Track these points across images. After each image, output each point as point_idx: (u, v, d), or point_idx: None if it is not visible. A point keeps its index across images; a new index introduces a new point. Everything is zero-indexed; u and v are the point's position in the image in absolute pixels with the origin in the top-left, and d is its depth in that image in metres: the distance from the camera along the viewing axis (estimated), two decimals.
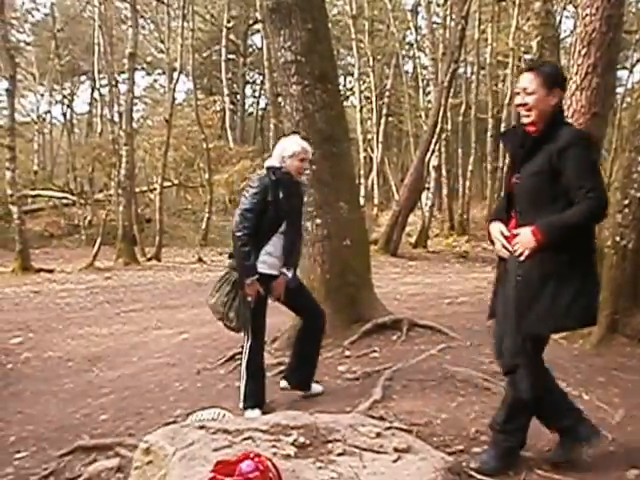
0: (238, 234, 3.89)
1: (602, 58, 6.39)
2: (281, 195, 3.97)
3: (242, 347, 4.10)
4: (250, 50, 37.26)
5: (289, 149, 4.06)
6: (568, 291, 2.67)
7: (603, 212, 2.72)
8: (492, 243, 2.92)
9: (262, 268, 3.93)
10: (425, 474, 2.41)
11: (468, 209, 23.15)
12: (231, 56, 33.98)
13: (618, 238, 5.02)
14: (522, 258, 2.70)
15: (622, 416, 3.39)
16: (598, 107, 6.39)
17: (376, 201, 26.17)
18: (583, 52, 6.53)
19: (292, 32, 5.28)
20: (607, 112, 6.87)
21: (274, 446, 2.56)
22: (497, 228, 2.87)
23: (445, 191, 23.54)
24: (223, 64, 30.05)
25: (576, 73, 6.53)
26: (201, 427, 2.73)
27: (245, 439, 2.62)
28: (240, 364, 4.17)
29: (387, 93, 29.36)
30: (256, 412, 3.92)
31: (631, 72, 26.17)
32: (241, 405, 4.03)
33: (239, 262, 3.94)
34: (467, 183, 23.65)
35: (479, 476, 2.78)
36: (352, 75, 28.20)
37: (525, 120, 2.82)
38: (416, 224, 19.59)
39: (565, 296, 2.67)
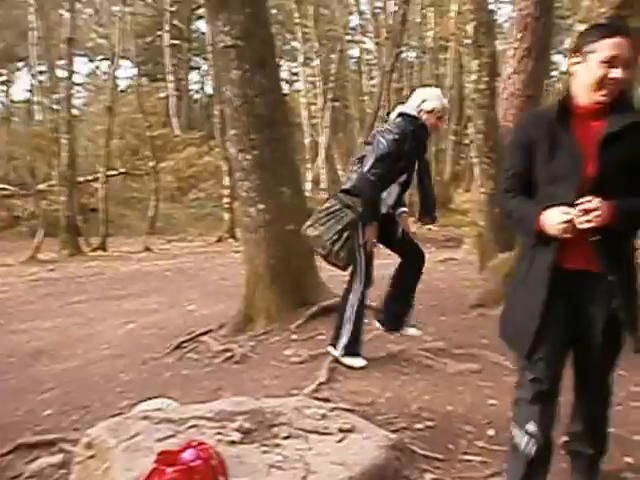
0: (372, 178, 3.80)
1: (536, 42, 6.59)
2: (414, 146, 3.89)
3: (346, 291, 4.10)
4: (195, 35, 36.60)
5: (429, 104, 3.94)
6: None
7: None
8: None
9: None
10: (369, 452, 2.48)
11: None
12: (175, 41, 33.31)
13: None
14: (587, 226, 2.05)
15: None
16: (532, 90, 6.60)
17: (323, 185, 26.16)
18: (519, 37, 6.72)
19: (230, 16, 5.18)
20: (540, 94, 7.11)
21: (219, 433, 2.57)
22: (559, 211, 2.11)
23: None
24: (167, 49, 29.48)
25: (512, 57, 6.72)
26: (145, 418, 2.72)
27: (190, 428, 2.62)
28: (343, 308, 4.09)
29: (332, 78, 29.33)
30: (363, 361, 3.99)
31: (565, 56, 26.87)
32: (339, 352, 4.03)
33: (367, 205, 3.84)
34: None
35: (420, 452, 2.86)
36: (297, 60, 28.03)
37: (606, 100, 2.13)
38: None
39: None
